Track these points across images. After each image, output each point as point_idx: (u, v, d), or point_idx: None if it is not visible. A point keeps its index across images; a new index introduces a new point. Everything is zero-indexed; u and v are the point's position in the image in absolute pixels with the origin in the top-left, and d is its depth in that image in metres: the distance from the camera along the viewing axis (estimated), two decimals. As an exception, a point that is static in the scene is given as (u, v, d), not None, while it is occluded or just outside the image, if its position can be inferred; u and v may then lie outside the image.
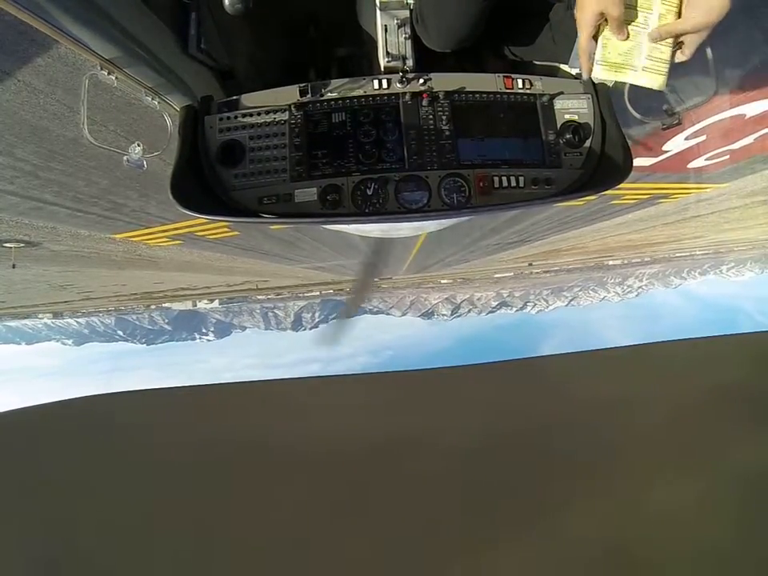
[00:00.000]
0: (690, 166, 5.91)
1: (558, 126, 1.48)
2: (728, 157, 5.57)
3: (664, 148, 5.21)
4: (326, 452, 0.78)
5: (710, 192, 7.77)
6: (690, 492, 0.70)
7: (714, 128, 4.60)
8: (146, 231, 6.76)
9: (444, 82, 1.47)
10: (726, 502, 0.70)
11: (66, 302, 17.91)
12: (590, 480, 0.73)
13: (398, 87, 1.46)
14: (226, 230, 7.48)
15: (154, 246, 8.14)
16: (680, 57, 1.06)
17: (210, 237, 8.01)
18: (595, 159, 1.46)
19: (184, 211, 1.23)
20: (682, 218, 10.26)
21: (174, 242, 7.97)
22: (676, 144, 5.13)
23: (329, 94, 1.45)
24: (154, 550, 0.67)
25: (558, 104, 1.49)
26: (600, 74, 1.14)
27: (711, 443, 0.76)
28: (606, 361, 0.95)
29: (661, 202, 8.41)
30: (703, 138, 4.86)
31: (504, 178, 1.44)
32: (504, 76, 1.50)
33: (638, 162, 5.52)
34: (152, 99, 1.31)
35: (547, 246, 15.30)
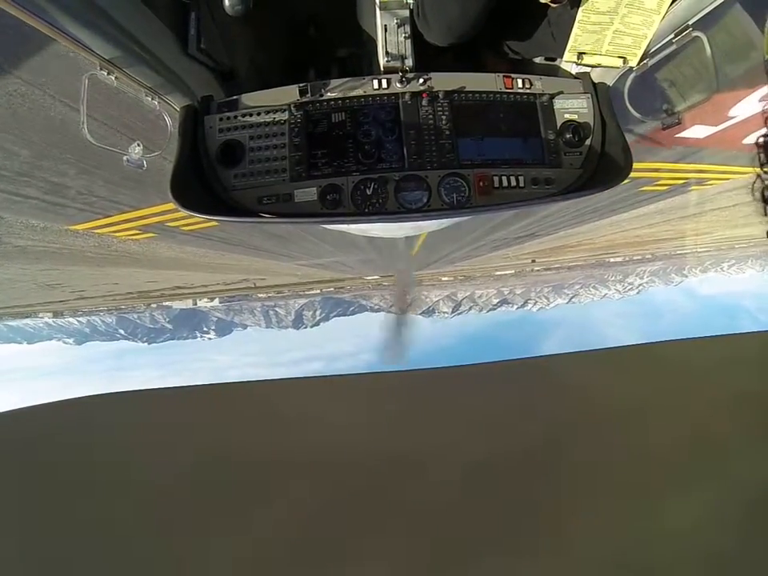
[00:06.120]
0: (746, 141, 4.88)
1: (558, 125, 1.48)
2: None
3: (730, 113, 4.31)
4: (325, 453, 0.77)
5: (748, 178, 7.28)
6: (703, 499, 0.67)
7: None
8: (107, 221, 6.12)
9: (444, 81, 1.46)
10: (738, 510, 0.66)
11: (61, 301, 17.93)
12: (600, 487, 0.71)
13: (397, 87, 1.45)
14: (200, 221, 6.68)
15: (125, 239, 7.49)
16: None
17: (185, 228, 7.35)
18: (595, 159, 1.46)
19: (184, 211, 1.23)
20: (701, 210, 9.70)
21: (146, 235, 7.38)
22: (745, 109, 4.09)
23: (329, 94, 1.45)
24: (153, 551, 0.67)
25: (558, 103, 1.49)
26: (567, 57, 1.38)
27: (726, 450, 0.73)
28: (613, 361, 0.92)
29: (692, 190, 7.70)
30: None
31: (504, 178, 1.45)
32: (504, 75, 1.50)
33: (692, 132, 4.65)
34: (152, 99, 1.30)
35: (555, 241, 15.15)
